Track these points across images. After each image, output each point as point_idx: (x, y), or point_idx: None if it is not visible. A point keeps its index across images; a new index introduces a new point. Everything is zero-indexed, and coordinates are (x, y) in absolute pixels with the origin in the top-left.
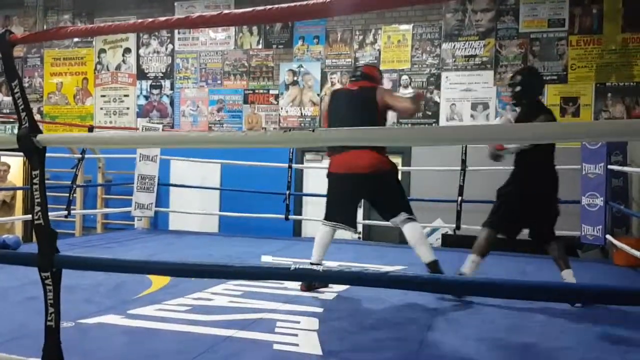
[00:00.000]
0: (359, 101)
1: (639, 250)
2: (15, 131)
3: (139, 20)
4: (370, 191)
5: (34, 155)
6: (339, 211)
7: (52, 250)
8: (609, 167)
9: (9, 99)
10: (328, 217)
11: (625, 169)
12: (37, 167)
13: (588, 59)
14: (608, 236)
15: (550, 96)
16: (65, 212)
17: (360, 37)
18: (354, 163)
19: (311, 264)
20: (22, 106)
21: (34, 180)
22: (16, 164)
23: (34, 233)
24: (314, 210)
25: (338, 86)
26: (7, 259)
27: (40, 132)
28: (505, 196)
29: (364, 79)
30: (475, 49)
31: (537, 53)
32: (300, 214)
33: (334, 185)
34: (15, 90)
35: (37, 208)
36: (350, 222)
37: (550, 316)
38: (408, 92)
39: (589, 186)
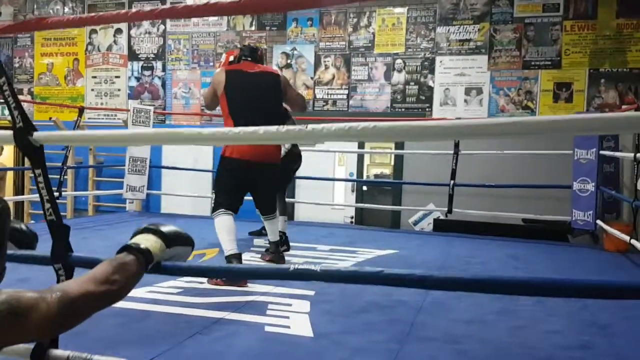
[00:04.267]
0: (269, 86)
1: (629, 235)
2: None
3: (123, 11)
4: (265, 180)
5: (33, 154)
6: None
7: (66, 249)
8: (601, 152)
9: None
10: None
11: (617, 154)
12: (38, 165)
13: (582, 44)
14: (599, 221)
15: (544, 82)
16: (57, 194)
17: (355, 20)
18: (263, 151)
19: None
20: (14, 105)
21: (38, 179)
22: (7, 144)
23: (24, 215)
24: (306, 193)
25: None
26: (21, 259)
27: (36, 129)
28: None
29: (260, 61)
30: (470, 33)
31: (531, 38)
32: (292, 197)
33: (232, 170)
34: (4, 88)
35: (47, 205)
36: (235, 209)
37: (539, 300)
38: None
39: (581, 171)
